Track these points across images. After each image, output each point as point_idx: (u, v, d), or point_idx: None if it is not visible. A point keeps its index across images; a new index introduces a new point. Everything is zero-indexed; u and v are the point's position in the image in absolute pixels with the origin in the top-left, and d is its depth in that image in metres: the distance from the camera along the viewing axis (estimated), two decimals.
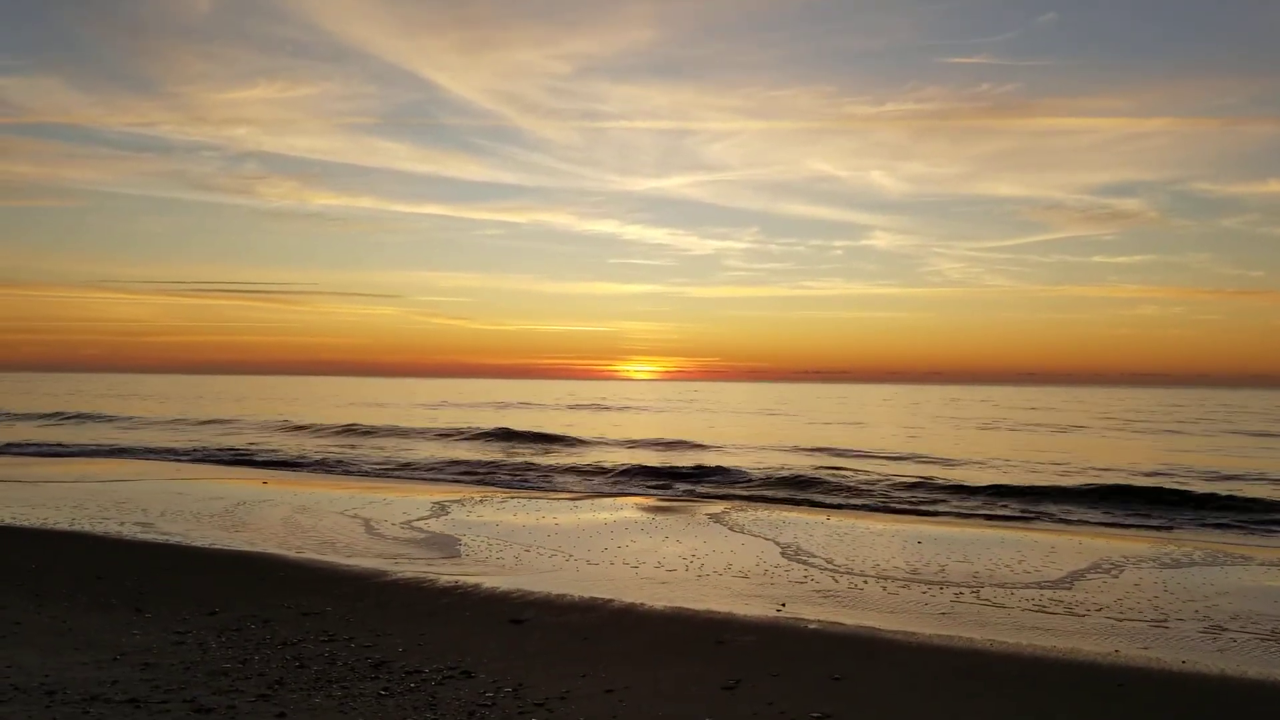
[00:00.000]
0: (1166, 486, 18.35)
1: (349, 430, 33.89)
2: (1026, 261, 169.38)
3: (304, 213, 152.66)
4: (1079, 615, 8.10)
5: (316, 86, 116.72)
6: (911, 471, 21.60)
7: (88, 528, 11.82)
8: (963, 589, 9.10)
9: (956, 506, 16.33)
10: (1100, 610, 8.29)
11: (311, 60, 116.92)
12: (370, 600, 8.07)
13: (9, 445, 26.55)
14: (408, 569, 9.48)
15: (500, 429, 33.47)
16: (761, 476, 20.12)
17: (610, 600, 8.18)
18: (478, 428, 34.61)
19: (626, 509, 14.98)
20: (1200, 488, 18.40)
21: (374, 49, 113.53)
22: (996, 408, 67.14)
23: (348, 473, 21.09)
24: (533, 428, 34.20)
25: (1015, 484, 19.10)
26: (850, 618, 7.80)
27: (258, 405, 56.03)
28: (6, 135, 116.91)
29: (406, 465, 22.69)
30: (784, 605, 8.22)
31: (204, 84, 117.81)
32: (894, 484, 19.08)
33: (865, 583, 9.34)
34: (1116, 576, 9.84)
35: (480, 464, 22.88)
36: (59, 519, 12.52)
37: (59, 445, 26.88)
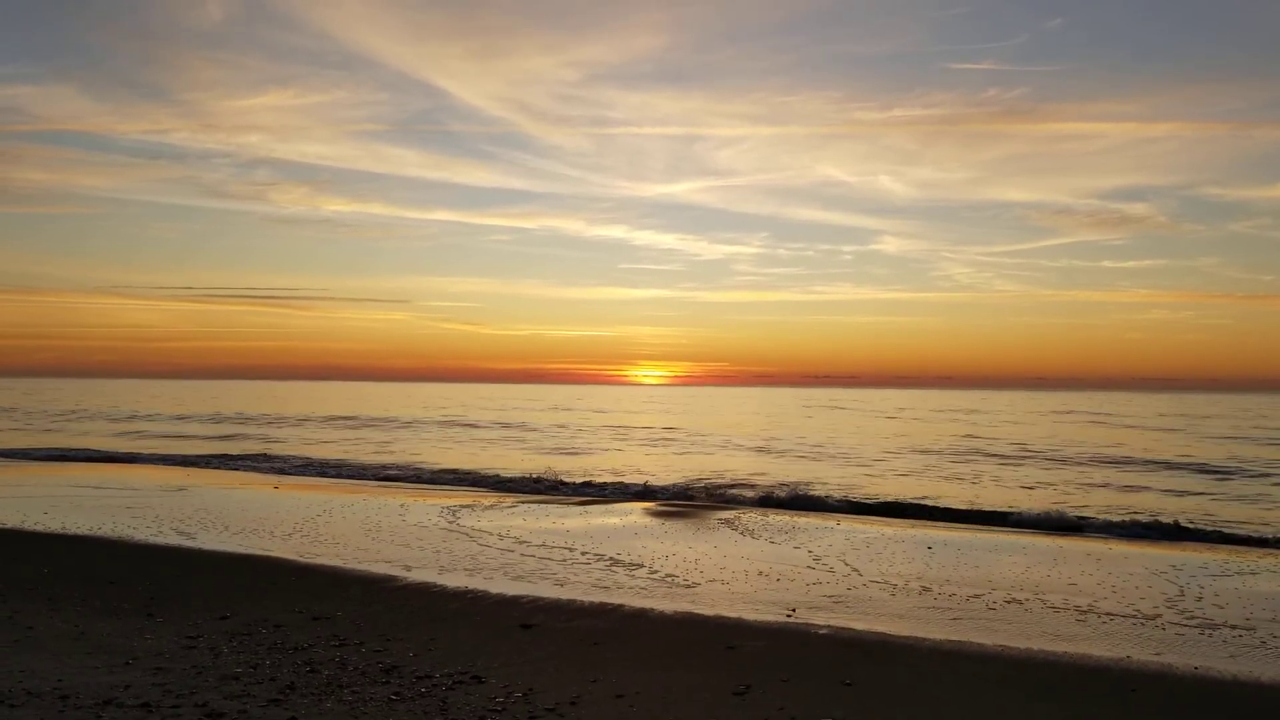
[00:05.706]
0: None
1: None
2: (1036, 266, 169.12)
3: (315, 219, 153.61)
4: (1088, 620, 8.06)
5: (328, 94, 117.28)
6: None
7: (99, 532, 11.87)
8: (973, 594, 9.07)
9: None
10: (1110, 615, 8.25)
11: (322, 68, 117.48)
12: (381, 605, 8.09)
13: None
14: (418, 575, 9.50)
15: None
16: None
17: (620, 605, 8.18)
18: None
19: (635, 514, 14.97)
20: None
21: (384, 57, 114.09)
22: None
23: None
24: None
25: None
26: (861, 623, 7.77)
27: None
28: (19, 142, 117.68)
29: None
30: (794, 610, 8.19)
31: (216, 91, 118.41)
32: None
33: (876, 587, 9.30)
34: (1126, 582, 9.79)
35: None
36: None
37: None
